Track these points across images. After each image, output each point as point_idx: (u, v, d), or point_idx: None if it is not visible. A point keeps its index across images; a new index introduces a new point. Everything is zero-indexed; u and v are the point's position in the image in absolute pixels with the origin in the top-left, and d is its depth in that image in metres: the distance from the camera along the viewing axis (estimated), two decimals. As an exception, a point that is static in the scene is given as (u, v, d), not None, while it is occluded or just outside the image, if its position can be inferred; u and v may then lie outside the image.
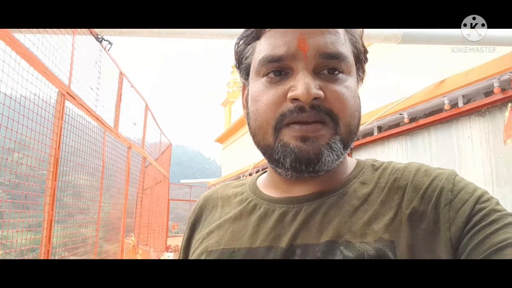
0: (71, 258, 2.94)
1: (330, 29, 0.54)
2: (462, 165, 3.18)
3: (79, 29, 2.76)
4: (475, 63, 2.93)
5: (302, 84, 0.50)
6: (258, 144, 0.57)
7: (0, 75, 1.79)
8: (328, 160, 0.52)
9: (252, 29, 0.58)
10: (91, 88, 2.99)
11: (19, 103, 1.95)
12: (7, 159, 1.97)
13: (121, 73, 3.95)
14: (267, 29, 0.55)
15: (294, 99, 0.51)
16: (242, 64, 0.61)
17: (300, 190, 0.58)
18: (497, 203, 0.49)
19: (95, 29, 2.99)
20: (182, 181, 20.48)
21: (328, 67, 0.53)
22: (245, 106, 0.63)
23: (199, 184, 18.45)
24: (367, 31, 2.80)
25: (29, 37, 2.16)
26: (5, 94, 1.84)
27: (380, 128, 4.36)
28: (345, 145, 0.54)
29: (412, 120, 3.80)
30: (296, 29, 0.53)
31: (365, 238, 0.49)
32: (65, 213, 2.85)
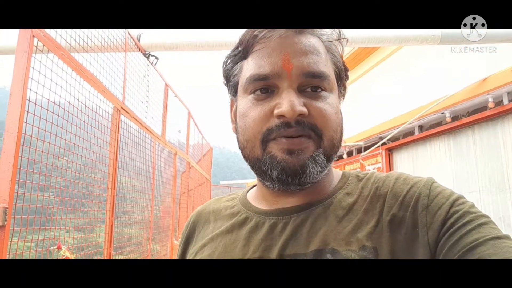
0: (129, 256, 3.20)
1: (312, 50, 0.57)
2: (509, 163, 3.10)
3: (129, 47, 3.00)
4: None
5: (287, 102, 0.53)
6: (247, 158, 0.59)
7: (65, 93, 2.04)
8: (313, 172, 0.54)
9: (240, 49, 0.60)
10: (142, 102, 3.23)
11: (83, 112, 2.19)
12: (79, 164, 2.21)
13: (166, 84, 4.19)
14: (254, 49, 0.58)
15: (280, 116, 0.54)
16: (230, 82, 0.64)
17: (289, 202, 0.60)
18: (472, 206, 0.50)
19: (143, 46, 3.23)
20: (221, 182, 20.90)
21: (311, 85, 0.56)
22: (233, 121, 0.66)
23: (238, 185, 18.76)
24: (402, 34, 2.80)
25: (86, 57, 2.41)
26: (70, 103, 2.08)
27: (421, 128, 4.31)
28: (328, 158, 0.57)
29: (454, 119, 3.73)
30: (281, 50, 0.56)
31: (350, 246, 0.51)
32: (122, 218, 3.11)
